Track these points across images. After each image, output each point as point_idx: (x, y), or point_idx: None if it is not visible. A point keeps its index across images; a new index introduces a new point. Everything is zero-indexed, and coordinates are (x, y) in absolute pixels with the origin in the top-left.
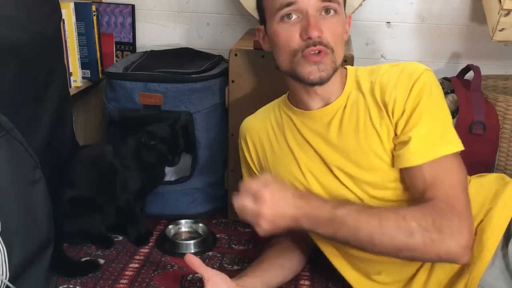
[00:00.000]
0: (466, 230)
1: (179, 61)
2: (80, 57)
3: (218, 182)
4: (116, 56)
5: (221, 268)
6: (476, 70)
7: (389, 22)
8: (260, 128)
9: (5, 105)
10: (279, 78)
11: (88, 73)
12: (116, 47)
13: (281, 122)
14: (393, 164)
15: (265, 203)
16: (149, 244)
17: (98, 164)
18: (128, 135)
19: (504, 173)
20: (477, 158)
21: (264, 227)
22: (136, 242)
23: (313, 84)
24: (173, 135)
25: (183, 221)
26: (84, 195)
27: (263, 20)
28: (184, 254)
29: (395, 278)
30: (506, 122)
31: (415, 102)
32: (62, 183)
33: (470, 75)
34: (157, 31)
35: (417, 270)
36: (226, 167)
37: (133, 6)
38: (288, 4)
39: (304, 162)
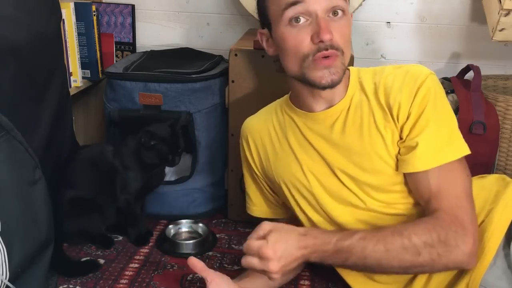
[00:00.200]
0: (471, 237)
1: (179, 61)
2: (80, 57)
3: (218, 182)
4: (116, 56)
5: (221, 268)
6: (476, 70)
7: (389, 22)
8: (262, 129)
9: (5, 105)
10: (279, 78)
11: (88, 73)
12: (116, 47)
13: (283, 123)
14: (397, 168)
15: (270, 261)
16: (149, 244)
17: (98, 164)
18: (128, 135)
19: (504, 173)
20: (477, 158)
21: (275, 277)
22: (136, 242)
23: (324, 88)
24: (173, 135)
25: (183, 221)
26: (84, 195)
27: (266, 23)
28: (184, 254)
29: (397, 278)
30: (506, 122)
31: (421, 107)
32: (62, 183)
33: (470, 75)
34: (157, 31)
35: None
36: (226, 167)
37: (133, 6)
38: (294, 3)
39: (306, 164)
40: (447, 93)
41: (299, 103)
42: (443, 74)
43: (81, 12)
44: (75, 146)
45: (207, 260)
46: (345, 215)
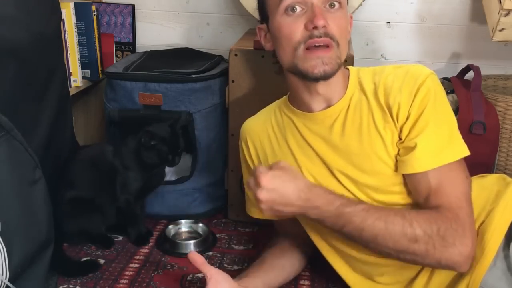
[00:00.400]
0: (469, 240)
1: (179, 61)
2: (80, 57)
3: (218, 182)
4: (116, 56)
5: (221, 268)
6: (476, 70)
7: (389, 22)
8: (261, 130)
9: (5, 105)
10: (279, 78)
11: (88, 73)
12: (116, 47)
13: (282, 124)
14: (396, 169)
15: (260, 188)
16: (149, 244)
17: (98, 164)
18: (128, 135)
19: (504, 173)
20: (477, 158)
21: (264, 210)
22: (136, 242)
23: (317, 78)
24: (173, 135)
25: (183, 221)
26: (84, 195)
27: (265, 17)
28: (184, 254)
29: (397, 279)
30: (506, 122)
31: (421, 108)
32: (62, 183)
33: (470, 75)
34: (157, 31)
35: (419, 271)
36: (226, 167)
37: (133, 6)
38: None
39: (305, 165)
40: (447, 93)
41: (297, 103)
42: (443, 74)
43: (81, 12)
44: (75, 146)
45: (207, 260)
46: None
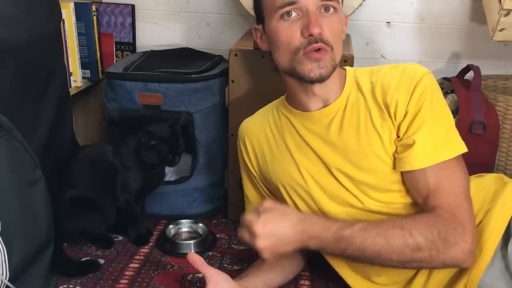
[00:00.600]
0: (469, 236)
1: (179, 61)
2: (80, 57)
3: (218, 182)
4: (116, 56)
5: (221, 268)
6: (476, 70)
7: (389, 22)
8: (259, 130)
9: (5, 105)
10: (279, 79)
11: (88, 73)
12: (116, 47)
13: (280, 124)
14: (394, 167)
15: (258, 237)
16: (149, 244)
17: (98, 164)
18: (128, 135)
19: (504, 173)
20: (477, 158)
21: (265, 255)
22: (136, 242)
23: (313, 81)
24: (173, 135)
25: (183, 221)
26: (84, 195)
27: (260, 19)
28: (184, 254)
29: (395, 279)
30: (506, 122)
31: (418, 105)
32: (62, 183)
33: (470, 75)
34: (157, 31)
35: (417, 272)
36: (226, 167)
37: (133, 6)
38: (290, 3)
39: (303, 164)
40: (447, 93)
41: (294, 103)
42: (443, 74)
43: (81, 12)
44: (75, 146)
45: (207, 260)
46: (343, 216)
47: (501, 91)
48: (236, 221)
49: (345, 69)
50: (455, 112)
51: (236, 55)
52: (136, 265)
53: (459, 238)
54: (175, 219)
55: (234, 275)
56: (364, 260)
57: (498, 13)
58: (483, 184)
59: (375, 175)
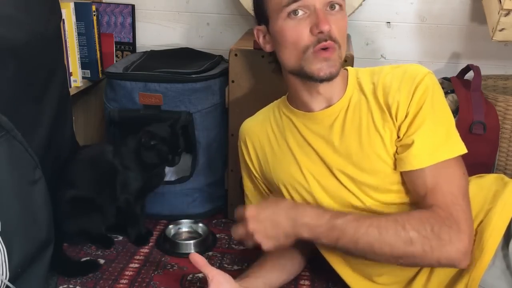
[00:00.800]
0: (466, 236)
1: (179, 61)
2: (80, 57)
3: (218, 182)
4: (116, 56)
5: (221, 268)
6: (476, 70)
7: (389, 22)
8: (260, 131)
9: (5, 105)
10: (279, 79)
11: (88, 73)
12: (116, 47)
13: (281, 124)
14: (395, 167)
15: (249, 220)
16: (149, 244)
17: (98, 164)
18: (128, 135)
19: (504, 173)
20: (477, 158)
21: (263, 243)
22: (136, 242)
23: (322, 80)
24: (173, 135)
25: (183, 221)
26: (84, 195)
27: (263, 19)
28: (184, 254)
29: (396, 279)
30: (506, 122)
31: (418, 105)
32: (62, 183)
33: (470, 75)
34: (157, 31)
35: (418, 271)
36: (226, 167)
37: (133, 6)
38: (296, 1)
39: (305, 165)
40: (447, 93)
41: (296, 103)
42: (443, 74)
43: (81, 12)
44: (75, 146)
45: (207, 260)
46: None
47: (501, 91)
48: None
49: (346, 69)
50: (455, 112)
51: (236, 55)
52: (136, 265)
53: (454, 237)
54: (175, 219)
55: (234, 275)
56: (357, 253)
57: (498, 13)
58: (483, 185)
59: (376, 176)
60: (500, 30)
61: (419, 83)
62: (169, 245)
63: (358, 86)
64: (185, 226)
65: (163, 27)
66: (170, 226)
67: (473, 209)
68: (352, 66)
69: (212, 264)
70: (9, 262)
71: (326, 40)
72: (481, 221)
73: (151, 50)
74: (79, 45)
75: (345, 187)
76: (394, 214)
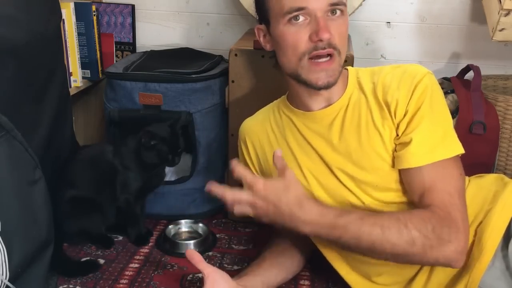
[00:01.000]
0: (463, 235)
1: (179, 61)
2: (80, 57)
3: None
4: (116, 56)
5: (221, 268)
6: (476, 70)
7: (389, 22)
8: (260, 130)
9: (5, 105)
10: (279, 78)
11: (88, 73)
12: (116, 47)
13: (281, 124)
14: (393, 165)
15: (255, 195)
16: (149, 244)
17: (98, 164)
18: (128, 135)
19: (504, 173)
20: (477, 158)
21: (258, 218)
22: (136, 242)
23: (320, 88)
24: (173, 135)
25: (183, 221)
26: (84, 195)
27: (264, 20)
28: (184, 254)
29: (396, 279)
30: (506, 122)
31: (417, 104)
32: (62, 183)
33: (470, 75)
34: (157, 31)
35: (417, 272)
36: (226, 167)
37: (133, 6)
38: (298, 9)
39: (305, 164)
40: (447, 93)
41: (296, 103)
42: (443, 74)
43: (81, 12)
44: (75, 146)
45: (207, 260)
46: None
47: (501, 91)
48: (236, 221)
49: (347, 69)
50: (455, 112)
51: (236, 55)
52: (136, 265)
53: (453, 236)
54: (175, 219)
55: (234, 275)
56: (357, 250)
57: (498, 13)
58: (483, 185)
59: (376, 174)
60: (500, 30)
61: (419, 82)
62: (169, 245)
63: (358, 85)
64: (185, 226)
65: (163, 27)
66: (170, 226)
67: (472, 209)
68: (352, 66)
69: (212, 264)
70: (9, 262)
71: (324, 48)
72: (481, 222)
73: (151, 50)
74: (79, 45)
75: (345, 185)
76: (396, 212)
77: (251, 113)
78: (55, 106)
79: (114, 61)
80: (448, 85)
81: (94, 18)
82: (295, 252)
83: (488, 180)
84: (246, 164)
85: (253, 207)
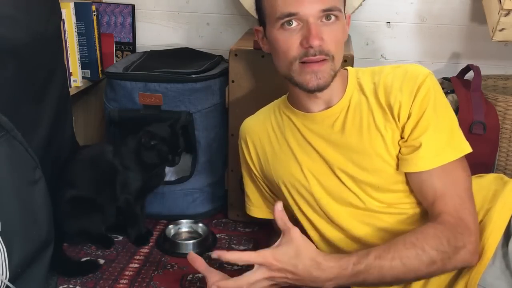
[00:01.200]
0: (474, 236)
1: (179, 61)
2: (80, 57)
3: (218, 182)
4: (116, 56)
5: (221, 268)
6: (476, 70)
7: (389, 22)
8: (260, 130)
9: (5, 105)
10: (279, 78)
11: (88, 73)
12: (116, 47)
13: (282, 124)
14: (397, 167)
15: (266, 269)
16: (149, 244)
17: (98, 164)
18: (128, 135)
19: (504, 173)
20: (477, 158)
21: (280, 282)
22: (136, 242)
23: (311, 91)
24: (173, 135)
25: (183, 221)
26: (84, 195)
27: (262, 21)
28: (184, 254)
29: None
30: (506, 122)
31: (422, 108)
32: (62, 183)
33: (470, 75)
34: (157, 31)
35: None
36: (226, 167)
37: (133, 6)
38: (289, 15)
39: (306, 164)
40: (447, 93)
41: (296, 104)
42: (443, 74)
43: (81, 12)
44: (75, 146)
45: (206, 260)
46: (344, 215)
47: (501, 91)
48: (236, 221)
49: (346, 69)
50: (455, 112)
51: (236, 55)
52: (136, 265)
53: (466, 241)
54: (175, 219)
55: (234, 275)
56: (382, 285)
57: (498, 13)
58: (483, 184)
59: (377, 175)
60: (500, 30)
61: (422, 84)
62: (169, 245)
63: (358, 86)
64: (185, 226)
65: (163, 27)
66: (170, 226)
67: None
68: (352, 66)
69: (212, 264)
70: (9, 262)
71: (315, 55)
72: (481, 221)
73: (151, 50)
74: (79, 45)
75: (346, 186)
76: (409, 235)
77: (251, 113)
78: (55, 106)
79: (114, 61)
80: (448, 85)
81: (94, 18)
82: None
83: (488, 180)
84: (247, 163)
85: (271, 280)
